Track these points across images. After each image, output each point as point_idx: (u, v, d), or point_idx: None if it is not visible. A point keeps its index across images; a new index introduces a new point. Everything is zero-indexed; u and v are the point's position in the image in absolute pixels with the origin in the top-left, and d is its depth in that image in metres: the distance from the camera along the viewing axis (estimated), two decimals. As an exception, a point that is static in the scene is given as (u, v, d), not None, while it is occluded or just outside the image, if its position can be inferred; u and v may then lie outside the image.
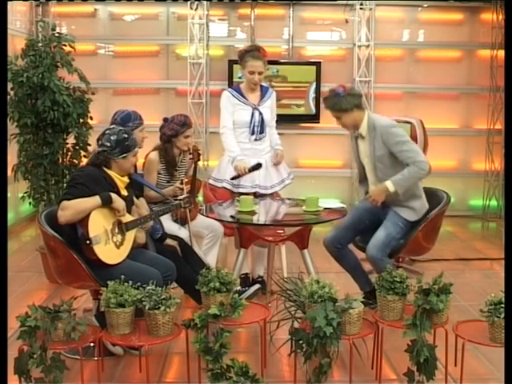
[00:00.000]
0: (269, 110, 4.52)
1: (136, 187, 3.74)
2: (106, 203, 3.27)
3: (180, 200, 3.84)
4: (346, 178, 7.46)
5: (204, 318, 2.97)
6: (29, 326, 2.83)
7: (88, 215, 3.20)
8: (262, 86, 4.53)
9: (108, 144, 3.37)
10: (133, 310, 2.98)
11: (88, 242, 3.17)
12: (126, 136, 3.42)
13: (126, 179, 3.49)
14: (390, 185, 3.74)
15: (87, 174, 3.35)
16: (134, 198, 3.61)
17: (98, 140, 3.45)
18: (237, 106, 4.42)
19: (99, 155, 3.40)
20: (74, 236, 3.24)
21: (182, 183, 4.30)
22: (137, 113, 4.05)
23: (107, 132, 3.43)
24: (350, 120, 3.84)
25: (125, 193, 3.45)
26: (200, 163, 7.05)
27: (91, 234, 3.18)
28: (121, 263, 3.31)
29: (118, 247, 3.33)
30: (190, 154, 4.45)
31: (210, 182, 4.59)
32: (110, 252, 3.27)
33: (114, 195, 3.31)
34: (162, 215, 3.76)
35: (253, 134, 4.44)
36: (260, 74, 4.38)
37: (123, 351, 3.46)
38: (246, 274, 4.60)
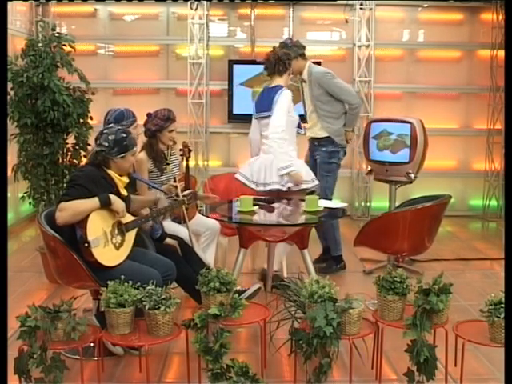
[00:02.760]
0: None
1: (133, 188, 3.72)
2: (105, 205, 3.24)
3: (184, 196, 3.80)
4: (345, 178, 7.45)
5: (204, 317, 2.97)
6: (29, 326, 2.83)
7: (87, 217, 3.17)
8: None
9: (106, 144, 3.34)
10: (133, 310, 2.98)
11: (86, 244, 3.14)
12: (124, 135, 3.39)
13: (125, 179, 3.46)
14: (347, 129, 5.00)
15: (86, 175, 3.32)
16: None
17: (96, 140, 3.43)
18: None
19: (97, 155, 3.36)
20: (74, 237, 3.22)
21: (175, 180, 4.29)
22: (130, 110, 4.03)
23: (105, 131, 3.40)
24: (296, 67, 4.76)
25: (124, 192, 3.44)
26: (200, 163, 7.15)
27: (90, 237, 3.15)
28: (121, 264, 3.31)
29: (117, 248, 3.31)
30: (180, 150, 4.44)
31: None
32: (108, 254, 3.25)
33: (112, 196, 3.28)
34: (164, 213, 3.70)
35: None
36: None
37: (123, 351, 3.47)
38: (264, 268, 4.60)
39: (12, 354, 2.86)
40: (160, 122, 4.29)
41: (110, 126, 3.55)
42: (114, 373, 3.31)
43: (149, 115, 4.37)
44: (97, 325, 3.17)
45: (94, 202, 3.20)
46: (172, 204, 3.72)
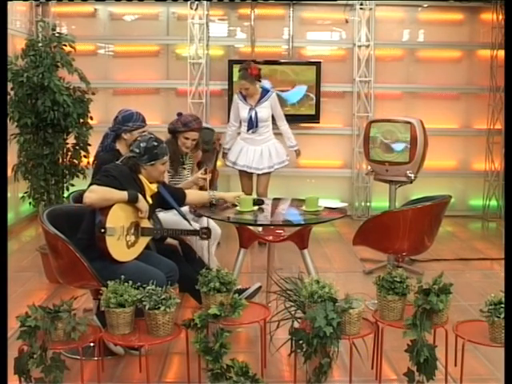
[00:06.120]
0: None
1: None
2: (132, 201, 3.32)
3: (199, 230, 3.68)
4: (345, 178, 7.46)
5: (204, 318, 2.97)
6: (29, 326, 2.83)
7: (111, 206, 3.25)
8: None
9: (137, 150, 3.43)
10: (133, 310, 2.98)
11: (103, 230, 3.21)
12: (155, 144, 3.46)
13: (154, 188, 3.52)
14: None
15: (121, 171, 3.41)
16: None
17: (130, 145, 3.57)
18: None
19: (129, 160, 3.46)
20: (93, 223, 3.28)
21: (205, 172, 4.26)
22: (140, 114, 4.03)
23: (138, 138, 3.51)
24: None
25: (150, 200, 3.48)
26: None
27: (108, 225, 3.22)
28: (128, 264, 3.33)
29: (128, 247, 3.36)
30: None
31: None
32: (119, 248, 3.29)
33: (140, 196, 3.36)
34: (177, 235, 3.79)
35: None
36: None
37: (124, 351, 3.47)
38: None
39: (12, 354, 2.85)
40: (178, 125, 4.35)
41: (144, 133, 3.65)
42: (114, 373, 3.32)
43: (179, 114, 4.45)
44: (98, 325, 3.17)
45: (123, 194, 3.30)
46: (186, 231, 3.72)
